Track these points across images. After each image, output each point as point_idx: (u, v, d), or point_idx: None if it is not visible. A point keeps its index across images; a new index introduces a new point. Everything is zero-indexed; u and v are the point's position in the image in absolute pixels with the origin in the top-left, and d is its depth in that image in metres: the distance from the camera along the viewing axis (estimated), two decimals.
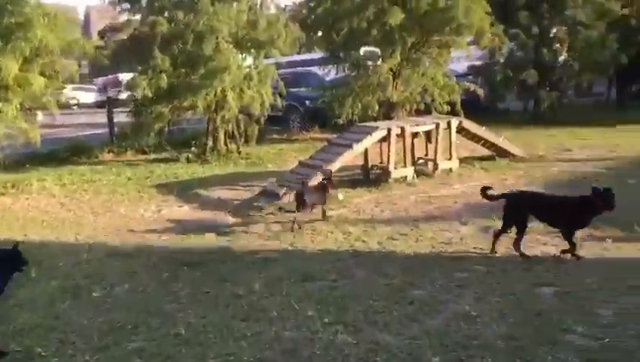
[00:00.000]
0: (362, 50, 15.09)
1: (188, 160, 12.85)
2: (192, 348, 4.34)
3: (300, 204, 7.63)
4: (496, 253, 6.08)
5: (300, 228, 7.39)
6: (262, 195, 9.03)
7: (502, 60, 17.47)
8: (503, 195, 6.36)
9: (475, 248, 6.34)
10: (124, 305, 5.25)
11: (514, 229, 6.04)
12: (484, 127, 11.37)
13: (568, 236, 5.87)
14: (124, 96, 15.87)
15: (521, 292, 5.02)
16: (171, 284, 5.69)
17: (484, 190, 6.35)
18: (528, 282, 5.26)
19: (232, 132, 13.40)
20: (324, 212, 7.82)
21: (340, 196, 8.91)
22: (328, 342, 4.26)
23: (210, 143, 13.32)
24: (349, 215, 8.03)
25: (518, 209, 6.08)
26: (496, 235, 6.16)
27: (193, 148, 13.53)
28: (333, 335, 4.35)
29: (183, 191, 10.13)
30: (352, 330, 4.43)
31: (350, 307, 4.86)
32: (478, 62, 18.15)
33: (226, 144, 13.44)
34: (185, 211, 8.95)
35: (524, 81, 17.10)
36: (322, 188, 7.90)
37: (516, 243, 6.00)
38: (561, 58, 17.52)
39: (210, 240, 7.22)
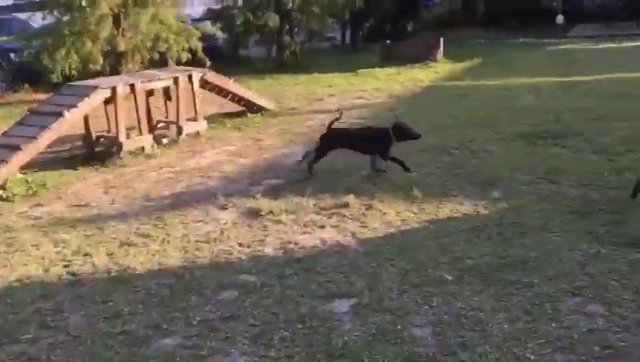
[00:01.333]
0: None
1: None
2: None
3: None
4: None
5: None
6: None
7: (240, 3, 16.14)
8: None
9: (240, 245, 4.82)
10: None
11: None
12: (231, 79, 9.86)
13: None
14: None
15: (311, 315, 3.66)
16: None
17: None
18: (316, 293, 3.94)
19: None
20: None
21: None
22: None
23: None
24: (65, 211, 5.84)
25: None
26: None
27: None
28: None
29: None
30: None
31: None
32: (215, 6, 16.62)
33: None
34: None
35: (264, 25, 16.09)
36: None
37: None
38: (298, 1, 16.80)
39: None
